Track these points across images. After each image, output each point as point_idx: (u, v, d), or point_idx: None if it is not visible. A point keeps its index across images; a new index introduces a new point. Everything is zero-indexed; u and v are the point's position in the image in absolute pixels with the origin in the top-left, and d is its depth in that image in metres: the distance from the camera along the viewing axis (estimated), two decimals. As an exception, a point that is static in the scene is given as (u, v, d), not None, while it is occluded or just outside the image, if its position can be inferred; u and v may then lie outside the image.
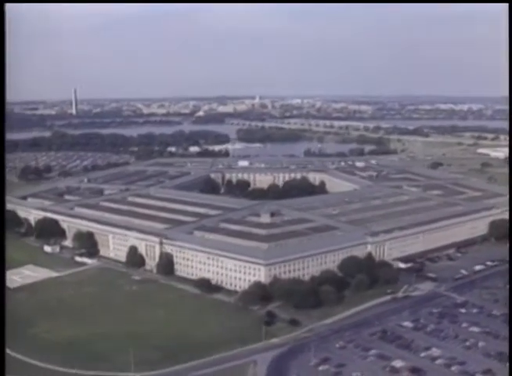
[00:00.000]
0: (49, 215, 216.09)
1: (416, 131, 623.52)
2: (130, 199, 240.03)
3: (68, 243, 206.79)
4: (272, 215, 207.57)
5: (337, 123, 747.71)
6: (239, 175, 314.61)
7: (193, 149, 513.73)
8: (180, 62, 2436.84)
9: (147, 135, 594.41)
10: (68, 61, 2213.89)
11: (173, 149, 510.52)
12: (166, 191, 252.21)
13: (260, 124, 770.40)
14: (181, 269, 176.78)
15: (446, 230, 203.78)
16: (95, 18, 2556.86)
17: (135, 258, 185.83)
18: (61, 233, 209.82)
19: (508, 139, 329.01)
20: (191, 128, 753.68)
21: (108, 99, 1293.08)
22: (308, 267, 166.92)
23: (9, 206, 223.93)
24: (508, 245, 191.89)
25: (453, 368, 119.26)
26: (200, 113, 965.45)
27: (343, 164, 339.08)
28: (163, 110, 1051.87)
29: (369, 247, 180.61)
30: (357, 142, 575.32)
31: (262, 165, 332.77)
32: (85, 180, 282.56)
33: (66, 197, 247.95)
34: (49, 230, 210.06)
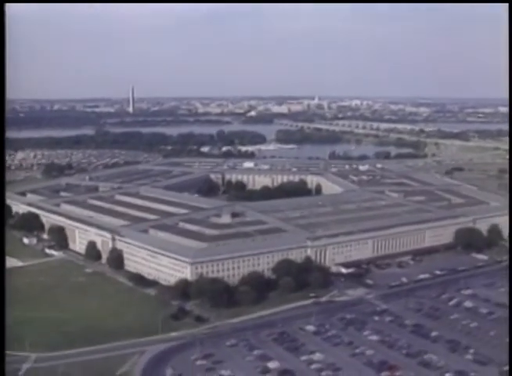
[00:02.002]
0: (33, 209, 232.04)
1: (458, 135, 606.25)
2: (117, 197, 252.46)
3: (45, 236, 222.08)
4: (235, 216, 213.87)
5: (384, 125, 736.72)
6: (239, 177, 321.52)
7: (226, 149, 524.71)
8: (245, 61, 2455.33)
9: (187, 134, 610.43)
10: (135, 60, 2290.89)
11: (205, 149, 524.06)
12: (154, 190, 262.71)
13: (306, 125, 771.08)
14: (129, 264, 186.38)
15: (404, 237, 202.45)
16: (161, 18, 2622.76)
17: (93, 252, 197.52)
18: (40, 227, 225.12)
19: (508, 139, 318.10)
20: (238, 127, 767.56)
21: (171, 98, 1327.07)
22: (239, 268, 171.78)
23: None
24: (508, 245, 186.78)
25: (323, 373, 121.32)
26: (252, 113, 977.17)
27: (347, 167, 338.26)
28: (218, 110, 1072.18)
29: (309, 251, 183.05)
30: (394, 145, 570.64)
31: (265, 167, 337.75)
32: (87, 178, 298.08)
33: (62, 193, 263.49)
34: (31, 224, 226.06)
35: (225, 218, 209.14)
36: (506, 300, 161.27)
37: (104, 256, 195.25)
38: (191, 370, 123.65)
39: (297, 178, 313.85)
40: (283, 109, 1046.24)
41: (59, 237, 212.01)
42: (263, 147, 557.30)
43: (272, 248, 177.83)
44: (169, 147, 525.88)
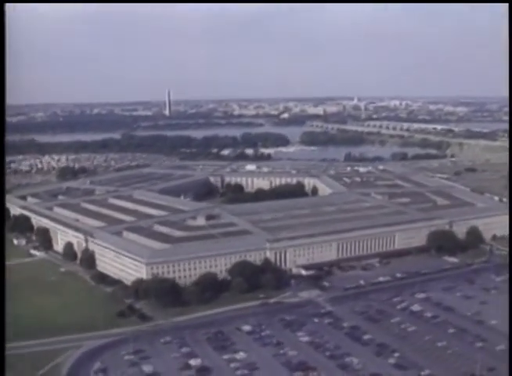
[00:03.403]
0: (25, 212, 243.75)
1: (486, 135, 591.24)
2: (110, 200, 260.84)
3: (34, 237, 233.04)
4: (210, 218, 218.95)
5: (415, 126, 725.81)
6: (238, 179, 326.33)
7: (246, 151, 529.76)
8: (285, 63, 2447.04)
9: (211, 137, 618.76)
10: (177, 61, 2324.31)
11: (226, 152, 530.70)
12: (146, 194, 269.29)
13: (337, 126, 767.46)
14: (100, 264, 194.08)
15: (373, 239, 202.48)
16: (197, 20, 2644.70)
17: (70, 253, 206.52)
18: (30, 229, 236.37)
19: (508, 138, 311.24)
20: (268, 129, 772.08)
21: (210, 100, 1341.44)
22: (196, 268, 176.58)
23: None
24: (508, 246, 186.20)
25: (238, 372, 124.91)
26: (285, 115, 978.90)
27: (348, 169, 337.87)
28: (253, 112, 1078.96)
29: (268, 253, 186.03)
30: (418, 146, 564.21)
31: (266, 170, 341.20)
32: (88, 182, 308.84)
33: (60, 197, 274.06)
34: (22, 226, 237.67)
35: (200, 221, 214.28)
36: (457, 304, 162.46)
37: (79, 256, 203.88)
38: (117, 364, 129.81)
39: (294, 181, 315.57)
40: (319, 110, 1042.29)
41: (44, 239, 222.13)
42: (284, 149, 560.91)
43: (230, 250, 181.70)
44: (190, 150, 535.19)
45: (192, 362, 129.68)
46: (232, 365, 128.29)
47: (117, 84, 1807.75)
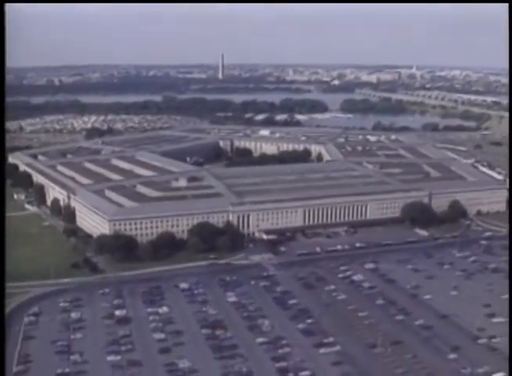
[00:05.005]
0: (28, 169, 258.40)
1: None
2: (112, 161, 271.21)
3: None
4: (192, 180, 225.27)
5: (465, 97, 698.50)
6: (247, 144, 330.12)
7: (281, 117, 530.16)
8: (347, 29, 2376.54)
9: (250, 101, 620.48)
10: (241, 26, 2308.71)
11: (260, 117, 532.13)
12: (148, 155, 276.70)
13: (383, 94, 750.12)
14: (78, 220, 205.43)
15: (342, 208, 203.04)
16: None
17: (56, 208, 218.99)
18: (31, 185, 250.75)
19: (508, 136, 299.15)
20: (315, 96, 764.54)
21: (267, 64, 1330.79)
22: (158, 227, 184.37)
23: (15, 161, 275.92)
24: (508, 239, 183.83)
25: (153, 324, 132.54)
26: (335, 82, 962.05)
27: (360, 137, 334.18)
28: (305, 78, 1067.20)
29: (231, 216, 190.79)
30: (459, 117, 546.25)
31: (277, 135, 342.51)
32: (100, 142, 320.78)
33: (68, 156, 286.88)
34: (23, 182, 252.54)
35: (181, 182, 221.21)
36: (401, 276, 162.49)
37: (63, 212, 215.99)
38: (51, 310, 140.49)
39: (301, 147, 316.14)
40: (372, 78, 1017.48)
41: (39, 195, 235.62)
42: (319, 116, 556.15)
43: (194, 211, 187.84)
44: (225, 114, 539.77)
45: (118, 312, 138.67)
46: (151, 317, 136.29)
47: (178, 46, 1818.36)
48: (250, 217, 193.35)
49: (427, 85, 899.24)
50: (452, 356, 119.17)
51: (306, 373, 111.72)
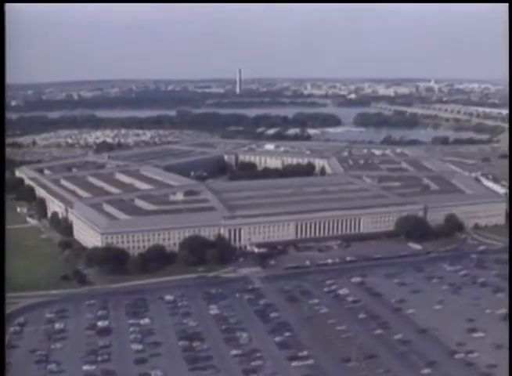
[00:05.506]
0: (32, 183, 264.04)
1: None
2: (115, 174, 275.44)
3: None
4: (189, 194, 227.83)
5: (480, 110, 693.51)
6: (252, 158, 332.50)
7: (292, 131, 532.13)
8: (373, 41, 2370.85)
9: (262, 115, 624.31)
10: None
11: (271, 131, 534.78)
12: (152, 170, 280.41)
13: (398, 108, 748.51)
14: (75, 233, 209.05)
15: (336, 221, 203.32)
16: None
17: (55, 221, 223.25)
18: (34, 199, 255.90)
19: (508, 137, 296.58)
20: (330, 110, 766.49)
21: (286, 79, 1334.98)
22: (149, 240, 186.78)
23: (21, 174, 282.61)
24: (508, 242, 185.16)
25: (132, 335, 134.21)
26: (352, 96, 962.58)
27: (365, 151, 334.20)
28: (322, 92, 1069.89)
29: (222, 229, 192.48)
30: (472, 130, 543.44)
31: (282, 149, 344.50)
32: (106, 156, 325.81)
33: (73, 170, 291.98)
34: (27, 196, 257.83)
35: (178, 196, 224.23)
36: (387, 290, 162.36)
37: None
38: (36, 320, 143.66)
39: (306, 161, 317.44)
40: (390, 91, 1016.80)
41: (40, 208, 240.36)
42: (331, 130, 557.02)
43: (186, 224, 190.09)
44: (237, 128, 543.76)
45: (100, 323, 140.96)
46: (131, 329, 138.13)
47: (197, 60, 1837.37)
48: (242, 230, 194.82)
49: (444, 99, 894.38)
50: (425, 370, 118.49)
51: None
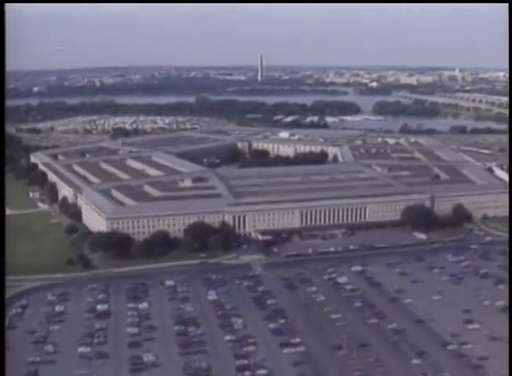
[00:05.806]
0: (44, 169, 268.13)
1: None
2: (127, 160, 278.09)
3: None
4: (198, 181, 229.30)
5: (503, 99, 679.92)
6: (265, 145, 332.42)
7: (310, 119, 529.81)
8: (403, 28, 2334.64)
9: (280, 103, 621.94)
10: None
11: (289, 119, 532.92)
12: (162, 156, 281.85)
13: (419, 96, 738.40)
14: (84, 218, 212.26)
15: (341, 210, 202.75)
16: None
17: (64, 206, 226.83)
18: (45, 184, 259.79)
19: (508, 137, 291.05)
20: (351, 98, 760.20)
21: (309, 66, 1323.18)
22: (154, 226, 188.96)
23: (35, 160, 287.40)
24: (508, 240, 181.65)
25: (129, 319, 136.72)
26: (373, 84, 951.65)
27: (379, 139, 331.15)
28: (343, 80, 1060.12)
29: (226, 216, 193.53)
30: (493, 120, 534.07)
31: (296, 137, 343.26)
32: (120, 142, 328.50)
33: (87, 155, 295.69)
34: (39, 180, 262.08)
35: (186, 183, 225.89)
36: (387, 280, 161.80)
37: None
38: (38, 303, 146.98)
39: (319, 149, 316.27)
40: (412, 80, 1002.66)
41: (52, 193, 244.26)
42: (349, 118, 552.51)
43: (191, 211, 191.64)
44: (254, 116, 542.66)
45: (99, 307, 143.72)
46: (130, 313, 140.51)
47: (220, 47, 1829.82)
48: (246, 217, 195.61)
49: (467, 87, 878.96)
50: (415, 361, 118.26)
51: (263, 371, 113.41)
